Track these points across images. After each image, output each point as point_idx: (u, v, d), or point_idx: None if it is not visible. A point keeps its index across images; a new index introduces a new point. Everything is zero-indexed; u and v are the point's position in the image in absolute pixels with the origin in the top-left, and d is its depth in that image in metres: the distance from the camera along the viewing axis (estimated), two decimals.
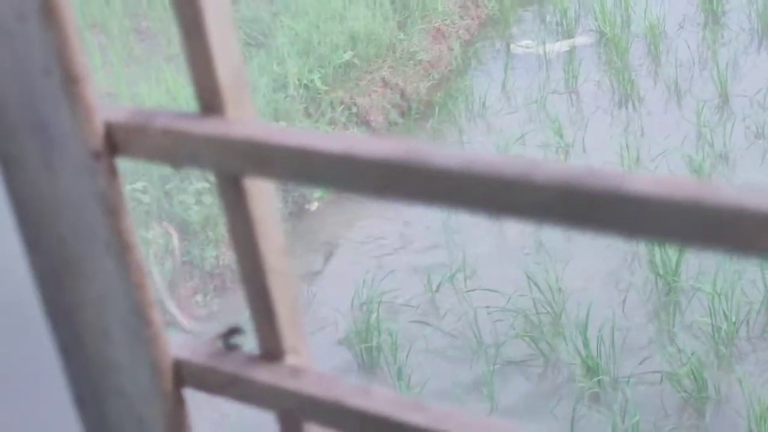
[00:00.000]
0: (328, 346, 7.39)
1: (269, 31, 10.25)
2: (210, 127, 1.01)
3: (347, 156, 0.92)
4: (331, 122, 9.35)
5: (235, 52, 1.03)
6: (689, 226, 0.78)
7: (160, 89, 9.42)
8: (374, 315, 7.42)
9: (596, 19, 10.95)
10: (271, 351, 1.13)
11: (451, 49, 10.73)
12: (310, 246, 8.38)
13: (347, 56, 9.68)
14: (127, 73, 9.88)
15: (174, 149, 1.03)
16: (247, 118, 1.03)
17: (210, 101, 1.02)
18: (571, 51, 10.54)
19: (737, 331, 7.01)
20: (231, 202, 1.05)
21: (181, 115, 1.03)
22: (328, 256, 8.26)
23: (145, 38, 10.65)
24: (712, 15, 10.86)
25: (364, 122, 9.59)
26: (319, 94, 9.41)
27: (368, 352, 7.24)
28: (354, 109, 9.56)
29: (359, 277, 7.88)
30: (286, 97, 9.21)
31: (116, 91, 9.55)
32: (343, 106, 9.49)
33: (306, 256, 8.27)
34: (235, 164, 1.00)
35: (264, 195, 1.06)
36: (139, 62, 10.18)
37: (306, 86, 9.37)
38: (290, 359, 1.13)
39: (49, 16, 1.02)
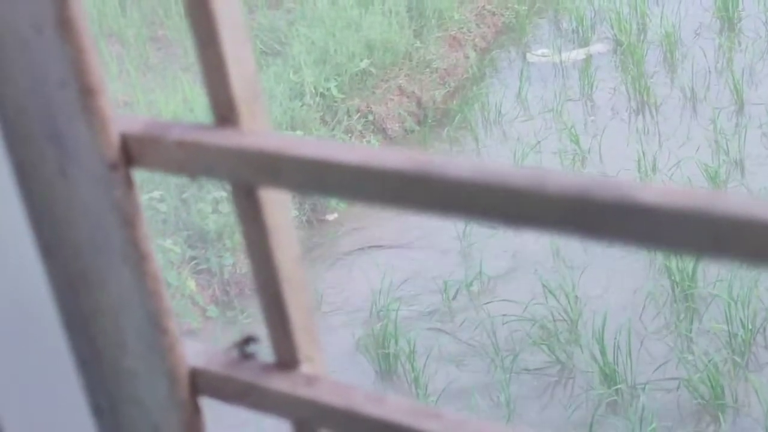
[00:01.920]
0: (345, 354, 7.40)
1: (286, 40, 10.27)
2: (224, 138, 1.01)
3: (361, 167, 0.93)
4: (348, 130, 9.37)
5: (250, 63, 1.04)
6: (700, 236, 0.79)
7: (176, 98, 9.45)
8: (391, 323, 7.43)
9: (612, 27, 10.94)
10: (286, 359, 1.13)
11: (467, 57, 10.73)
12: (328, 255, 8.39)
13: (363, 64, 9.69)
14: (143, 82, 9.91)
15: (189, 161, 1.04)
16: (262, 129, 1.03)
17: (224, 112, 1.03)
18: (587, 59, 10.54)
19: (754, 338, 7.00)
20: (246, 212, 1.06)
21: (195, 126, 1.04)
22: (346, 264, 8.27)
23: (162, 47, 10.68)
24: (728, 22, 10.84)
25: (381, 130, 9.60)
26: (336, 102, 9.42)
27: (385, 359, 7.25)
28: (370, 117, 9.57)
29: (376, 286, 7.89)
30: (302, 106, 9.23)
31: (133, 100, 9.58)
32: (359, 114, 9.50)
33: (324, 265, 8.28)
34: (250, 175, 1.01)
35: (279, 205, 1.06)
36: (155, 71, 10.21)
37: (322, 94, 9.38)
38: (305, 368, 1.13)
39: (65, 28, 1.03)
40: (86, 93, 1.06)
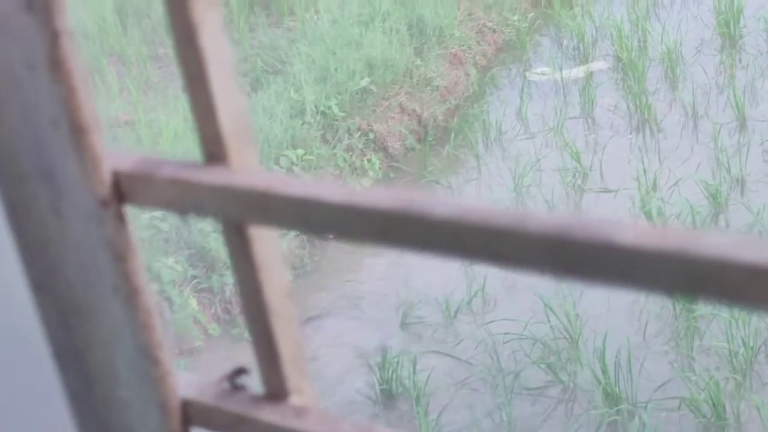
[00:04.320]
0: (347, 375, 7.40)
1: (286, 58, 10.30)
2: (213, 176, 1.03)
3: (347, 205, 0.95)
4: (349, 149, 9.39)
5: (238, 100, 1.05)
6: (676, 276, 0.80)
7: (177, 117, 9.47)
8: (393, 342, 7.43)
9: (613, 44, 10.96)
10: (276, 391, 1.15)
11: (467, 75, 10.76)
12: (331, 276, 8.40)
13: (364, 83, 9.71)
14: (144, 101, 9.94)
15: (179, 198, 1.05)
16: (250, 167, 1.05)
17: (214, 150, 1.04)
18: (588, 76, 10.56)
19: (755, 357, 7.00)
20: (236, 248, 1.08)
21: (186, 164, 1.06)
22: (348, 286, 8.28)
23: (163, 65, 10.71)
24: (729, 39, 10.86)
25: (382, 148, 9.62)
26: (336, 120, 9.44)
27: (387, 380, 7.25)
28: (371, 136, 9.59)
29: (378, 306, 7.90)
30: (303, 124, 9.25)
31: (134, 119, 9.61)
32: (360, 133, 9.52)
33: (326, 286, 8.29)
34: (239, 213, 1.02)
35: (268, 241, 1.08)
36: (156, 90, 10.24)
37: (323, 113, 9.40)
38: (294, 399, 1.15)
39: (57, 67, 1.05)
40: (77, 131, 1.08)
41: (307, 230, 0.99)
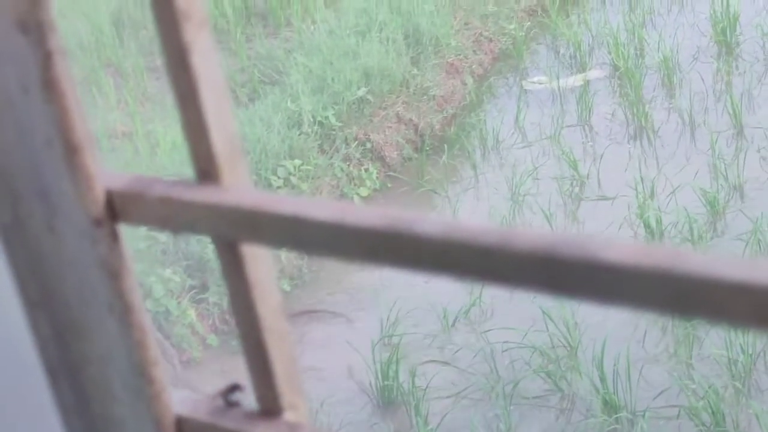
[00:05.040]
0: (347, 383, 7.41)
1: (283, 69, 10.31)
2: (205, 195, 1.04)
3: (336, 224, 0.96)
4: (346, 158, 9.40)
5: (230, 120, 1.06)
6: (661, 294, 0.81)
7: (175, 128, 9.48)
8: (393, 351, 7.44)
9: (610, 53, 10.97)
10: (270, 407, 1.16)
11: (464, 84, 10.77)
12: (329, 287, 8.40)
13: (361, 92, 9.73)
14: (142, 112, 9.95)
15: (172, 217, 1.06)
16: (242, 186, 1.06)
17: (206, 169, 1.05)
18: (585, 84, 10.57)
19: (754, 364, 7.00)
20: (228, 266, 1.09)
21: (178, 183, 1.07)
22: (345, 296, 8.29)
23: (160, 77, 10.72)
24: (726, 46, 10.88)
25: (379, 158, 9.63)
26: (334, 130, 9.45)
27: (387, 388, 7.25)
28: (368, 145, 9.60)
29: (378, 316, 7.90)
30: (300, 134, 9.25)
31: (131, 130, 9.62)
32: (357, 142, 9.53)
33: (324, 297, 8.30)
34: (230, 231, 1.03)
35: (261, 259, 1.09)
36: (153, 101, 10.25)
37: (320, 123, 9.41)
38: (288, 415, 1.16)
39: (50, 89, 1.06)
40: (71, 151, 1.09)
41: (297, 248, 1.00)
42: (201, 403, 1.21)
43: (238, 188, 1.05)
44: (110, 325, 1.17)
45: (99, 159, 1.10)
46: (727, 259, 0.79)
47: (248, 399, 1.17)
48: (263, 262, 1.09)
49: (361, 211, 0.95)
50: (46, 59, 1.06)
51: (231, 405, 1.19)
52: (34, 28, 1.05)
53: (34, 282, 1.18)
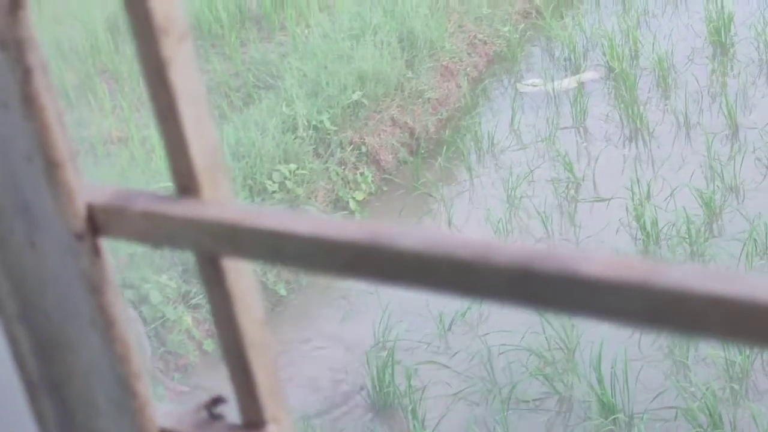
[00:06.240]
0: (344, 386, 7.41)
1: (278, 73, 10.31)
2: (186, 209, 1.04)
3: (316, 238, 0.95)
4: (341, 162, 9.40)
5: (210, 134, 1.06)
6: (640, 308, 0.81)
7: None
8: (389, 354, 7.43)
9: (604, 54, 10.98)
10: (253, 420, 1.16)
11: (459, 87, 10.77)
12: (325, 291, 8.40)
13: (356, 96, 9.73)
14: (137, 117, 9.95)
15: (153, 231, 1.06)
16: (223, 200, 1.06)
17: (186, 183, 1.05)
18: (579, 86, 10.57)
19: (752, 366, 7.00)
20: (210, 280, 1.08)
21: (159, 197, 1.07)
22: (342, 300, 8.29)
23: None
24: (721, 47, 10.88)
25: (374, 161, 9.63)
26: (329, 134, 9.45)
27: (384, 392, 7.25)
28: (363, 149, 9.60)
29: (374, 319, 7.90)
30: (295, 139, 9.25)
31: (126, 136, 9.62)
32: (352, 146, 9.53)
33: (325, 303, 8.30)
34: (211, 245, 1.03)
35: (242, 272, 1.09)
36: (148, 106, 10.24)
37: (315, 127, 9.41)
38: (271, 429, 1.15)
39: (30, 105, 1.06)
40: (52, 166, 1.08)
41: (278, 262, 1.00)
42: (184, 415, 1.20)
43: (219, 202, 1.05)
44: (93, 340, 1.17)
45: (80, 173, 1.10)
46: (703, 271, 0.79)
47: (232, 412, 1.17)
48: (245, 276, 1.09)
49: (342, 224, 0.95)
50: (25, 75, 1.06)
51: (215, 418, 1.19)
52: (13, 45, 1.05)
53: (15, 297, 1.18)
